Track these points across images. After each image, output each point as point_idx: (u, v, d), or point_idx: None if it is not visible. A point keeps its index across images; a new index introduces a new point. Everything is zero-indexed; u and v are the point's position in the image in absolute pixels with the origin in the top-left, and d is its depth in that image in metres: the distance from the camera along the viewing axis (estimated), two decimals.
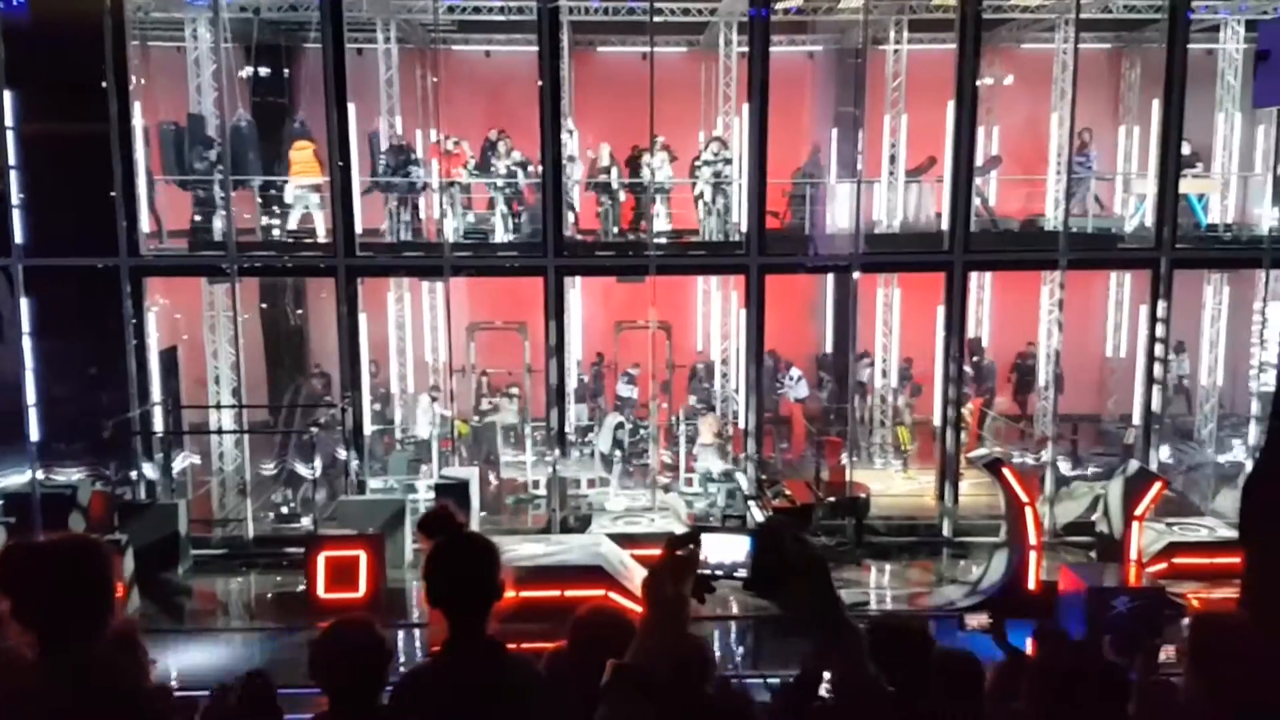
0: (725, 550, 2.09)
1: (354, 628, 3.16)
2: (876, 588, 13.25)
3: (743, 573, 2.07)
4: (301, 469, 14.47)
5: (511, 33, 16.70)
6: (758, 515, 13.79)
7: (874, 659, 2.67)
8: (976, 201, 14.96)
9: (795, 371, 17.06)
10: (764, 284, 14.12)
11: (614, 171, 15.01)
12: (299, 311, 17.57)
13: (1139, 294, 15.22)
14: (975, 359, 17.06)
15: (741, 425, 14.78)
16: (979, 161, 15.08)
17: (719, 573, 2.08)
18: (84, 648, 2.47)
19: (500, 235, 14.86)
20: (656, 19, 15.05)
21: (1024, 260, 15.17)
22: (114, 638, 2.62)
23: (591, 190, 15.45)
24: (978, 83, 14.06)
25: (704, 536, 2.10)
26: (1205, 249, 14.78)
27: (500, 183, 14.83)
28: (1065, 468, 14.82)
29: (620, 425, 15.25)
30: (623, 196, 15.20)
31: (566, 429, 14.51)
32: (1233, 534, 12.44)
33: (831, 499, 14.18)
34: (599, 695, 1.97)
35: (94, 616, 2.51)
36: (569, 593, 11.00)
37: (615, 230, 15.17)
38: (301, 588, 11.98)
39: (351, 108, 13.89)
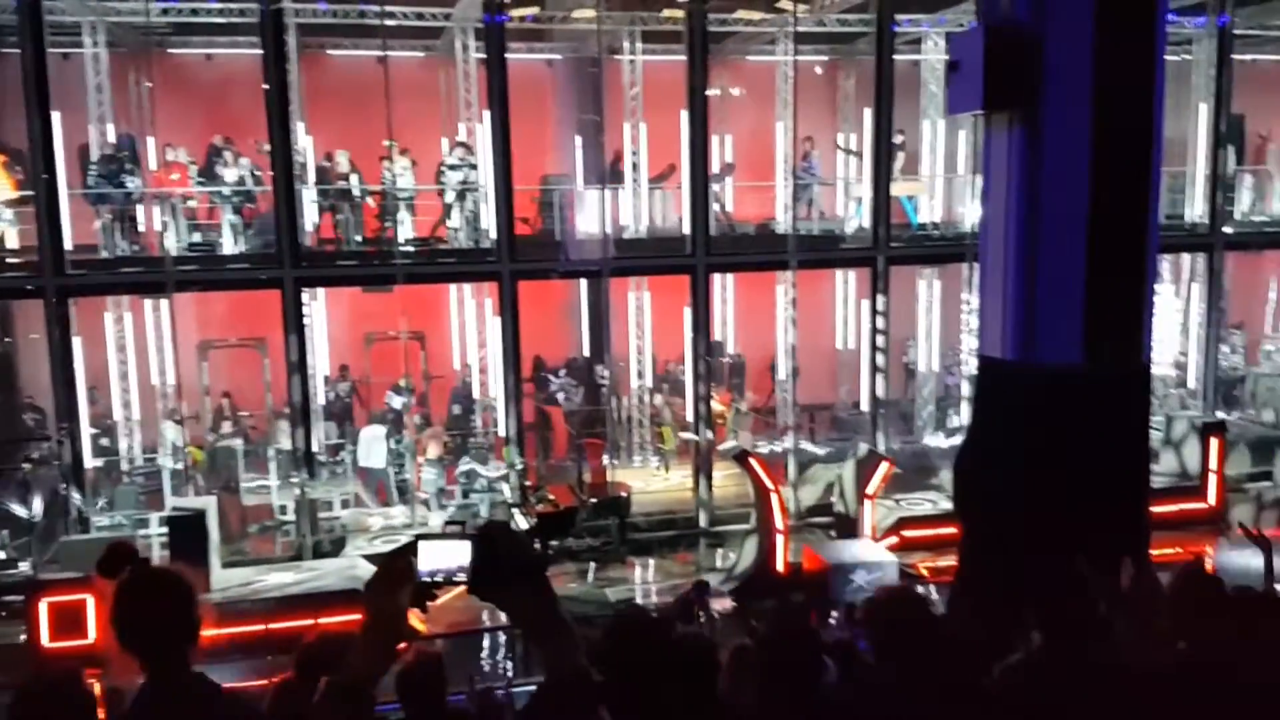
0: (446, 556, 2.09)
1: (55, 681, 2.92)
2: (641, 583, 13.54)
3: (463, 577, 2.06)
4: (17, 509, 13.11)
5: (234, 35, 15.83)
6: (522, 523, 13.77)
7: (614, 650, 2.72)
8: (715, 207, 15.63)
9: (561, 375, 17.22)
10: (517, 290, 14.15)
11: (353, 178, 14.55)
12: (5, 339, 15.94)
13: (861, 291, 16.36)
14: (725, 358, 17.83)
15: (502, 433, 14.71)
16: (715, 169, 15.77)
17: (440, 579, 2.06)
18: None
19: (230, 247, 14.07)
20: (390, 22, 14.75)
21: (759, 262, 15.98)
22: None
23: (331, 198, 14.93)
24: (708, 93, 14.69)
25: (422, 544, 2.09)
26: (917, 247, 16.11)
27: (228, 191, 14.05)
28: (806, 453, 15.72)
29: (390, 437, 14.83)
30: (370, 201, 14.78)
31: (314, 448, 13.94)
32: (951, 506, 13.67)
33: (594, 500, 14.38)
34: (310, 712, 1.93)
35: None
36: (325, 620, 10.64)
37: (360, 239, 14.72)
38: (23, 638, 10.87)
39: (56, 116, 12.76)
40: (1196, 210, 16.51)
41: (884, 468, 13.13)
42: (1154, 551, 8.25)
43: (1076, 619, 3.72)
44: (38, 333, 13.42)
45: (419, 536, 2.13)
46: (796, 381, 15.94)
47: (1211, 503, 14.50)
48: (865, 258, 15.40)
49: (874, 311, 15.43)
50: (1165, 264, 16.63)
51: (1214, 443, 14.55)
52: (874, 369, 15.66)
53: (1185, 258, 16.98)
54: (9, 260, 13.36)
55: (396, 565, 2.09)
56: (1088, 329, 7.47)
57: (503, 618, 10.78)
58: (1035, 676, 3.55)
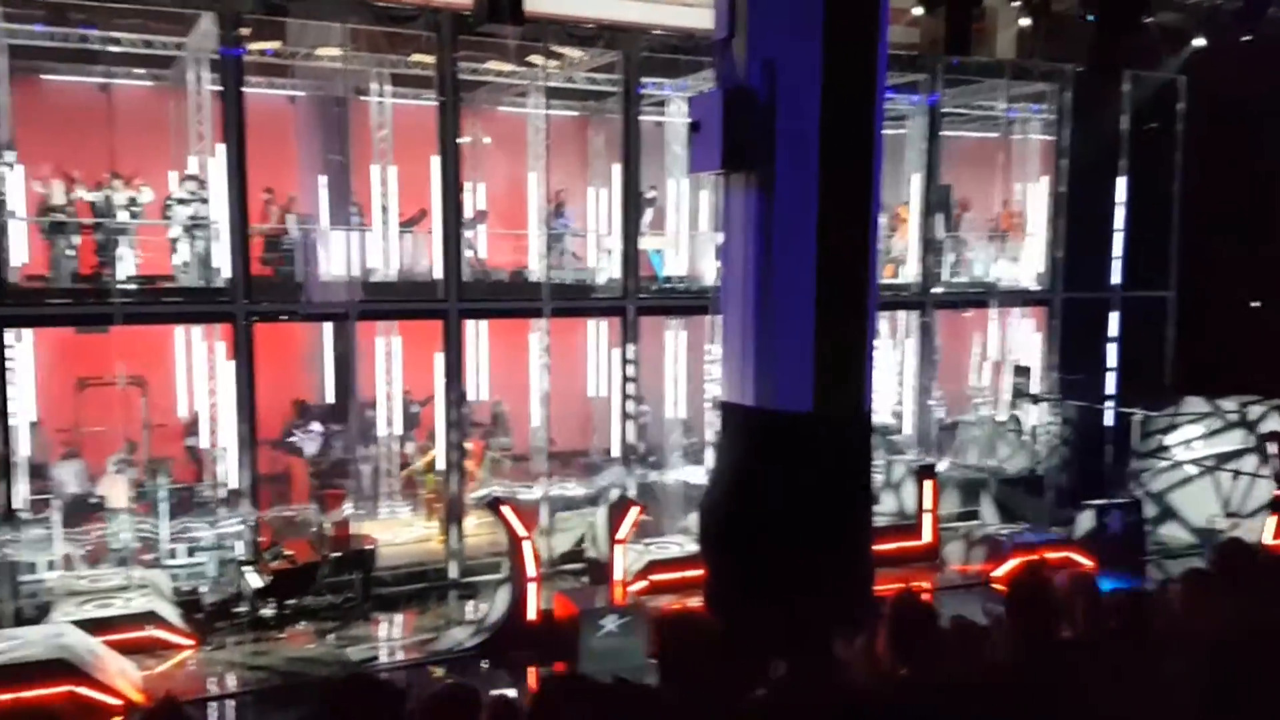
0: None
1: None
2: (386, 640, 13.05)
3: None
4: None
5: None
6: (255, 581, 12.96)
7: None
8: (469, 253, 15.54)
9: (315, 426, 16.43)
10: (252, 333, 13.43)
11: (67, 209, 13.38)
12: None
13: (613, 339, 16.72)
14: (475, 405, 17.61)
15: (234, 485, 13.82)
16: (468, 215, 15.71)
17: None
18: None
19: None
20: (114, 49, 13.79)
21: (513, 309, 16.02)
22: None
23: (44, 231, 13.66)
24: (460, 140, 14.66)
25: None
26: (664, 298, 16.68)
27: None
28: (558, 500, 15.76)
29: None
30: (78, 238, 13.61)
31: (16, 504, 12.57)
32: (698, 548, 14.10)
33: (337, 554, 13.75)
34: None
35: None
36: (30, 693, 9.65)
37: (73, 275, 13.51)
38: None
39: None
40: (910, 272, 18.07)
41: (634, 512, 13.36)
42: (877, 586, 8.85)
43: (815, 654, 3.93)
44: None
45: None
46: (549, 428, 16.01)
47: (927, 540, 15.75)
48: (616, 307, 15.78)
49: (624, 359, 15.80)
50: (883, 321, 18.05)
51: (928, 485, 15.84)
52: (624, 415, 16.00)
53: (900, 315, 18.51)
54: None
55: None
56: (817, 377, 7.98)
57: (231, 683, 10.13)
58: (780, 707, 3.70)
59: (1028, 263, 19.35)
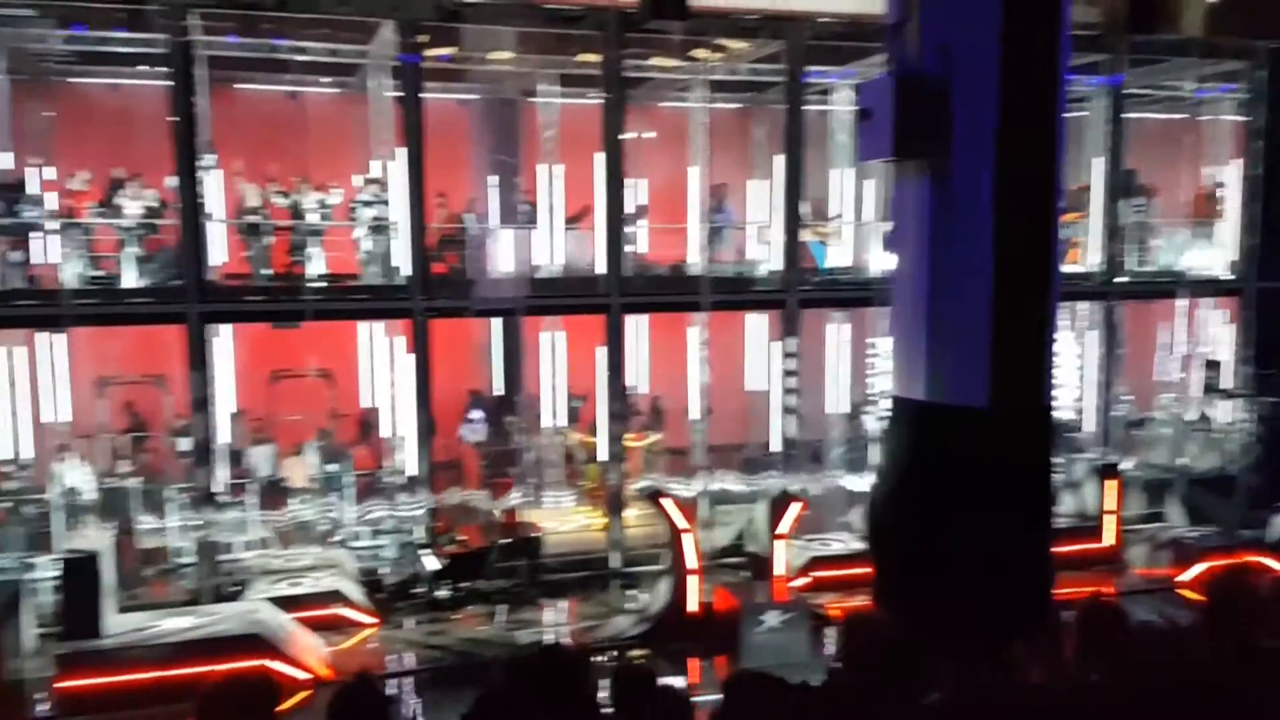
0: None
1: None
2: (552, 624, 13.40)
3: None
4: None
5: (140, 65, 15.46)
6: (431, 564, 13.54)
7: None
8: (629, 248, 15.75)
9: (476, 413, 17.03)
10: (429, 328, 14.01)
11: (262, 213, 14.25)
12: None
13: (773, 332, 16.61)
14: (638, 397, 17.83)
15: (412, 472, 14.46)
16: (629, 210, 15.91)
17: None
18: None
19: (131, 280, 13.65)
20: (302, 58, 14.60)
21: (672, 303, 16.14)
22: None
23: (241, 233, 14.61)
24: (623, 137, 14.87)
25: None
26: (827, 290, 16.47)
27: (132, 224, 13.65)
28: (718, 493, 15.79)
29: None
30: (272, 237, 14.49)
31: (216, 488, 13.51)
32: (863, 546, 13.87)
33: (506, 540, 14.22)
34: None
35: None
36: (223, 666, 10.28)
37: (268, 273, 14.40)
38: None
39: None
40: (1093, 261, 17.24)
41: (795, 508, 13.27)
42: (1057, 590, 8.50)
43: (992, 658, 3.84)
44: None
45: None
46: (708, 421, 16.06)
47: (1109, 542, 15.02)
48: (776, 300, 15.68)
49: (785, 353, 15.69)
50: (1064, 312, 17.27)
51: (1110, 485, 15.10)
52: (784, 409, 15.89)
53: (1083, 306, 17.68)
54: None
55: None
56: (993, 371, 7.72)
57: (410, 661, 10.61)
58: (964, 708, 3.63)
59: (1219, 251, 18.17)
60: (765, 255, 16.71)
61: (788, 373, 15.74)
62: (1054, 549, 8.22)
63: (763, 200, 17.74)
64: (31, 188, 14.05)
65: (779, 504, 13.40)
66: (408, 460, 14.47)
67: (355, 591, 13.15)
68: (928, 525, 7.80)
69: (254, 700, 2.97)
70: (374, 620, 12.90)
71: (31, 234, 13.58)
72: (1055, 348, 8.17)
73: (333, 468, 15.09)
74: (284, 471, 15.06)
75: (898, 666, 3.45)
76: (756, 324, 17.58)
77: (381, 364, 15.40)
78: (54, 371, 13.72)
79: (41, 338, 13.61)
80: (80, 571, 11.05)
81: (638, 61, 16.10)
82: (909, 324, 8.13)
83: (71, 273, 13.21)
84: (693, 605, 12.46)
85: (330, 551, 14.17)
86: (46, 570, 12.40)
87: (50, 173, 14.35)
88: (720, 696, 3.48)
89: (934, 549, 7.74)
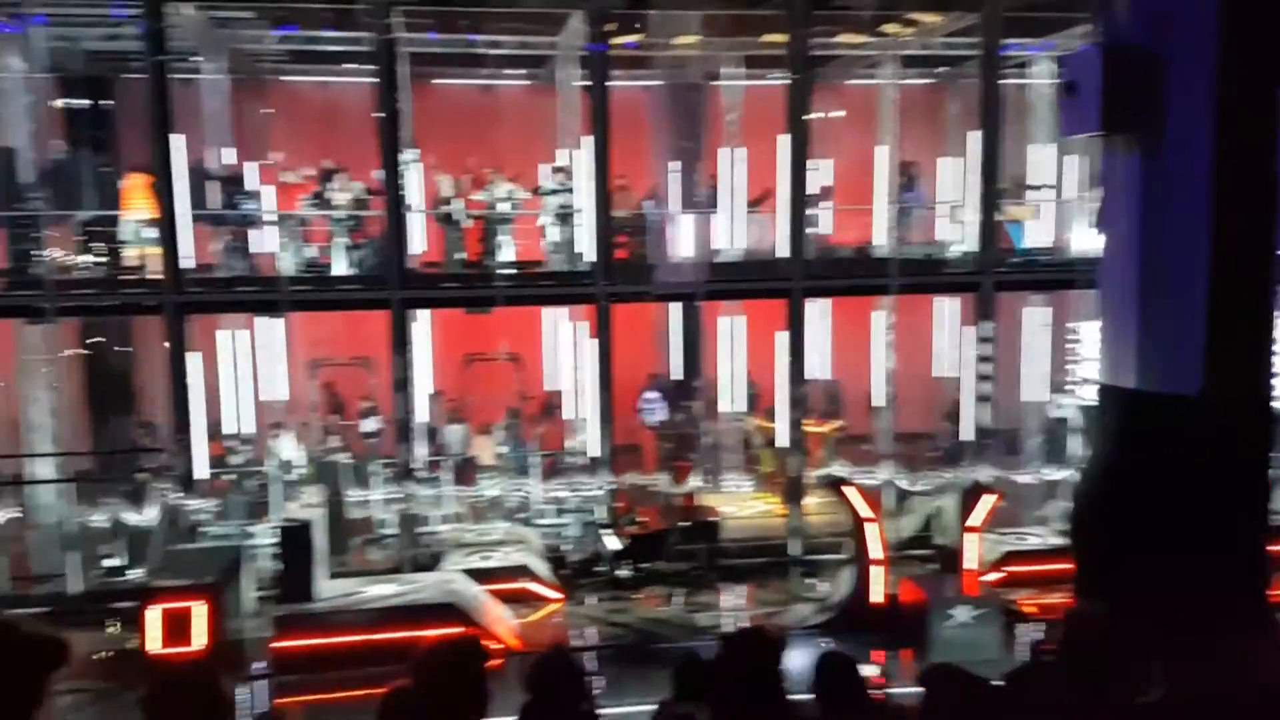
0: None
1: (191, 674, 2.96)
2: (731, 609, 13.45)
3: None
4: (131, 517, 13.64)
5: (347, 63, 16.38)
6: (612, 543, 13.82)
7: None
8: (812, 231, 15.53)
9: (654, 394, 17.25)
10: (610, 313, 14.26)
11: (456, 202, 14.83)
12: (127, 349, 16.67)
13: (965, 316, 16.04)
14: (819, 383, 17.60)
15: (594, 453, 14.81)
16: (812, 192, 15.68)
17: None
18: None
19: (340, 268, 14.50)
20: (495, 51, 15.08)
21: (858, 286, 15.81)
22: None
23: (438, 222, 15.28)
24: (808, 117, 14.64)
25: None
26: (1025, 272, 15.73)
27: (341, 215, 14.49)
28: (903, 483, 15.41)
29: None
30: (469, 223, 15.07)
31: (414, 465, 14.23)
32: (1062, 541, 13.24)
33: (685, 524, 14.35)
34: None
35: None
36: (423, 633, 10.81)
37: (461, 261, 15.01)
38: (133, 644, 11.27)
39: (180, 140, 13.35)
40: None
41: (988, 499, 12.79)
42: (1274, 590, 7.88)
43: (1208, 657, 3.61)
44: (158, 347, 14.00)
45: None
46: (894, 409, 15.68)
47: None
48: (970, 282, 15.12)
49: (978, 338, 15.11)
50: None
51: None
52: (976, 397, 15.31)
53: None
54: (130, 279, 13.96)
55: None
56: (1208, 358, 7.19)
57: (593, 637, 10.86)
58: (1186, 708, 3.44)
59: None
60: (958, 236, 16.12)
61: (981, 359, 15.14)
62: (1271, 547, 7.60)
63: (955, 179, 17.12)
64: (250, 182, 15.14)
65: (970, 495, 12.95)
66: (590, 442, 14.80)
67: (542, 567, 13.58)
68: (1135, 520, 7.36)
69: (465, 663, 3.13)
70: (559, 596, 13.29)
71: (252, 225, 14.63)
72: (1276, 333, 7.53)
73: (518, 448, 15.63)
74: (474, 450, 15.71)
75: (1120, 664, 3.29)
76: (947, 308, 17.02)
77: (565, 348, 15.82)
78: (271, 353, 14.76)
79: (261, 321, 14.64)
80: (295, 539, 11.88)
81: (825, 40, 15.82)
82: (1118, 307, 7.66)
83: (288, 261, 14.14)
84: (877, 596, 12.21)
85: (518, 528, 14.67)
86: (265, 537, 13.38)
87: (266, 167, 15.38)
88: (918, 689, 3.40)
89: (1141, 544, 7.29)
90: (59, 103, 15.03)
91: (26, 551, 13.87)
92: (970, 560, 12.54)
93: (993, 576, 13.18)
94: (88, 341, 15.96)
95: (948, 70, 17.92)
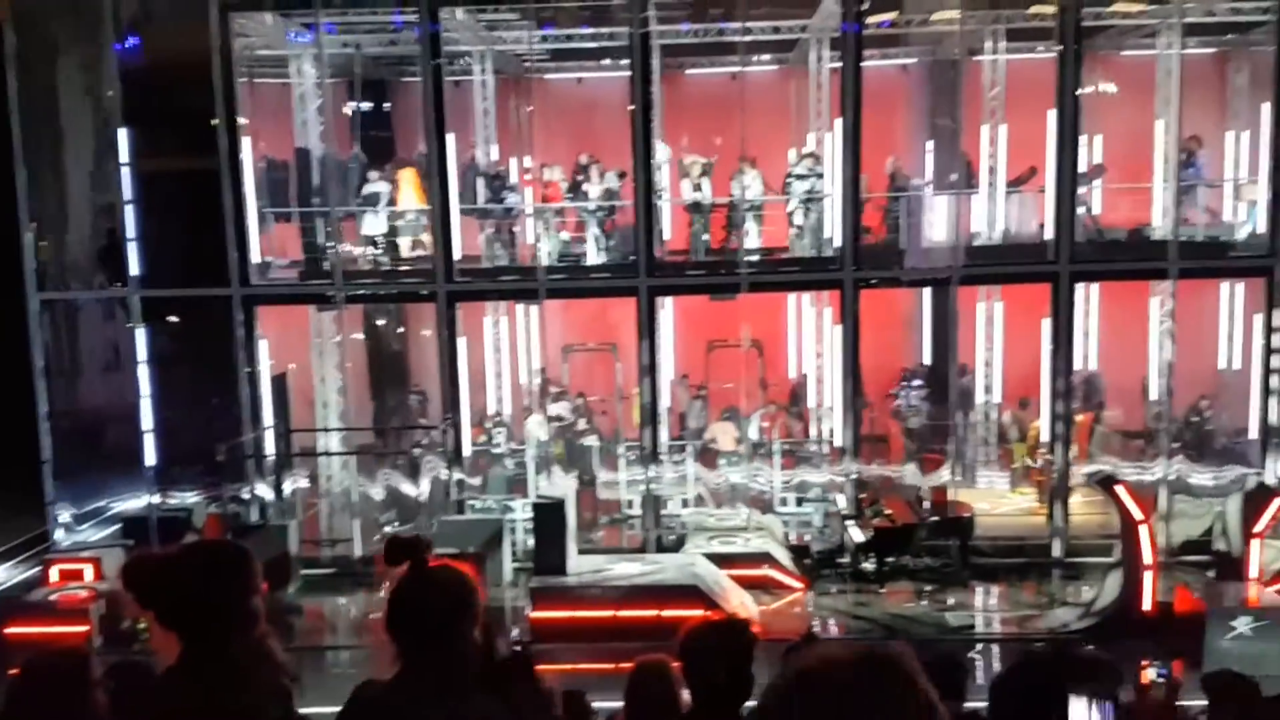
0: None
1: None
2: (984, 610, 12.93)
3: None
4: (407, 489, 14.76)
5: (602, 59, 16.90)
6: (857, 535, 13.58)
7: None
8: (1081, 211, 14.56)
9: (905, 384, 16.79)
10: (858, 299, 13.98)
11: (705, 186, 14.94)
12: (400, 331, 18.03)
13: (1252, 304, 14.60)
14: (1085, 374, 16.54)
15: (838, 442, 14.60)
16: (1082, 170, 14.69)
17: None
18: (221, 650, 2.52)
19: (593, 258, 15.02)
20: (746, 38, 15.09)
21: (1133, 271, 14.71)
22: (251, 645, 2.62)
23: (686, 210, 15.51)
24: (1079, 91, 13.73)
25: None
26: None
27: (593, 206, 15.00)
28: (1179, 483, 14.23)
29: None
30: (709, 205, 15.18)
31: (660, 449, 14.54)
32: None
33: (935, 519, 13.86)
34: None
35: (228, 619, 2.55)
36: (665, 613, 11.04)
37: (706, 247, 15.16)
38: None
39: (450, 138, 14.23)
40: None
41: (1277, 503, 11.62)
42: None
43: None
44: (425, 332, 15.07)
45: None
46: (1171, 403, 14.47)
47: None
48: (1260, 267, 13.72)
49: (1268, 328, 13.69)
50: None
51: None
52: (1265, 391, 13.90)
53: None
54: (406, 269, 15.06)
55: None
56: None
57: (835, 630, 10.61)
58: None
59: None
60: (1245, 216, 14.66)
61: (1273, 350, 13.72)
62: None
63: (1243, 155, 15.58)
64: (513, 177, 15.93)
65: (1256, 498, 11.83)
66: (834, 430, 14.59)
67: (784, 555, 13.54)
68: None
69: (733, 644, 3.16)
70: (800, 585, 13.21)
71: (514, 218, 15.40)
72: None
73: (760, 434, 15.63)
74: (714, 435, 15.83)
75: None
76: (1233, 294, 15.55)
77: (809, 334, 15.66)
78: (529, 338, 15.52)
79: (520, 308, 15.38)
80: (550, 515, 12.46)
81: (1098, 9, 14.78)
82: None
83: (545, 251, 14.81)
84: (1147, 603, 11.37)
85: (760, 515, 14.68)
86: (522, 512, 14.11)
87: (527, 162, 16.15)
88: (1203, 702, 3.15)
89: None
90: (346, 107, 16.35)
91: (314, 518, 15.26)
92: (1254, 569, 11.46)
93: (1279, 586, 11.96)
94: (376, 323, 17.31)
95: (1235, 37, 16.26)
